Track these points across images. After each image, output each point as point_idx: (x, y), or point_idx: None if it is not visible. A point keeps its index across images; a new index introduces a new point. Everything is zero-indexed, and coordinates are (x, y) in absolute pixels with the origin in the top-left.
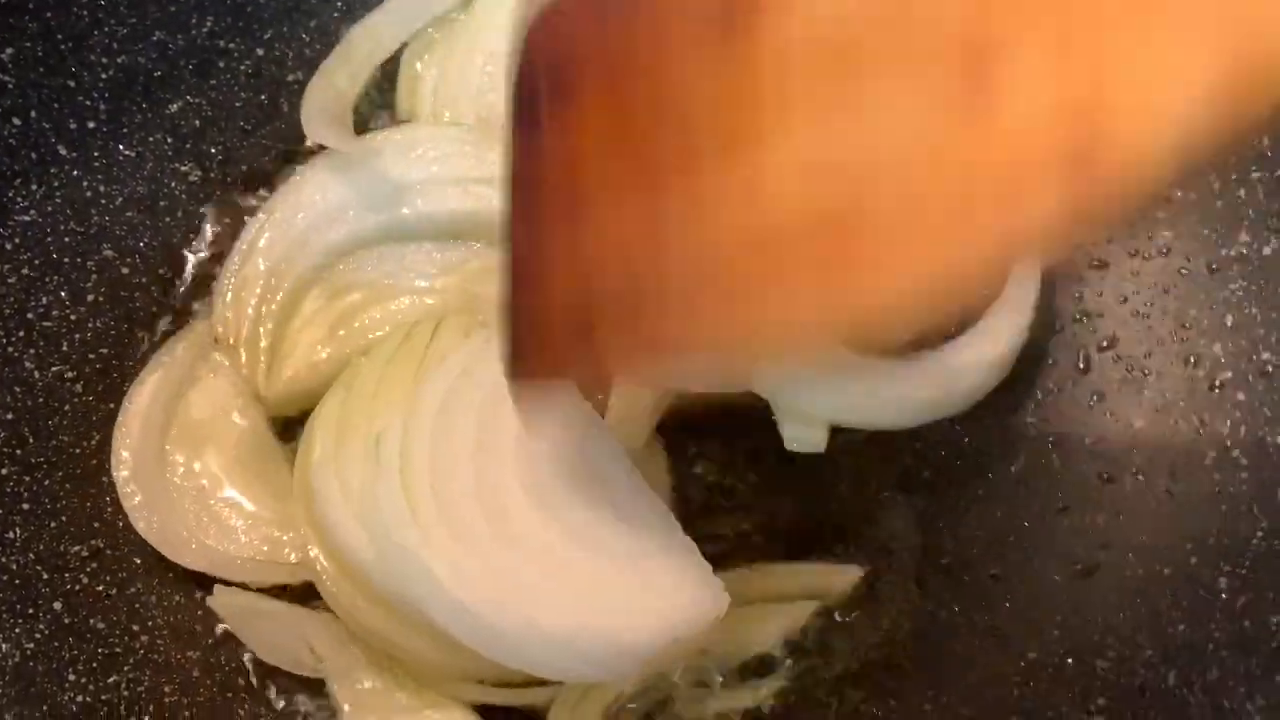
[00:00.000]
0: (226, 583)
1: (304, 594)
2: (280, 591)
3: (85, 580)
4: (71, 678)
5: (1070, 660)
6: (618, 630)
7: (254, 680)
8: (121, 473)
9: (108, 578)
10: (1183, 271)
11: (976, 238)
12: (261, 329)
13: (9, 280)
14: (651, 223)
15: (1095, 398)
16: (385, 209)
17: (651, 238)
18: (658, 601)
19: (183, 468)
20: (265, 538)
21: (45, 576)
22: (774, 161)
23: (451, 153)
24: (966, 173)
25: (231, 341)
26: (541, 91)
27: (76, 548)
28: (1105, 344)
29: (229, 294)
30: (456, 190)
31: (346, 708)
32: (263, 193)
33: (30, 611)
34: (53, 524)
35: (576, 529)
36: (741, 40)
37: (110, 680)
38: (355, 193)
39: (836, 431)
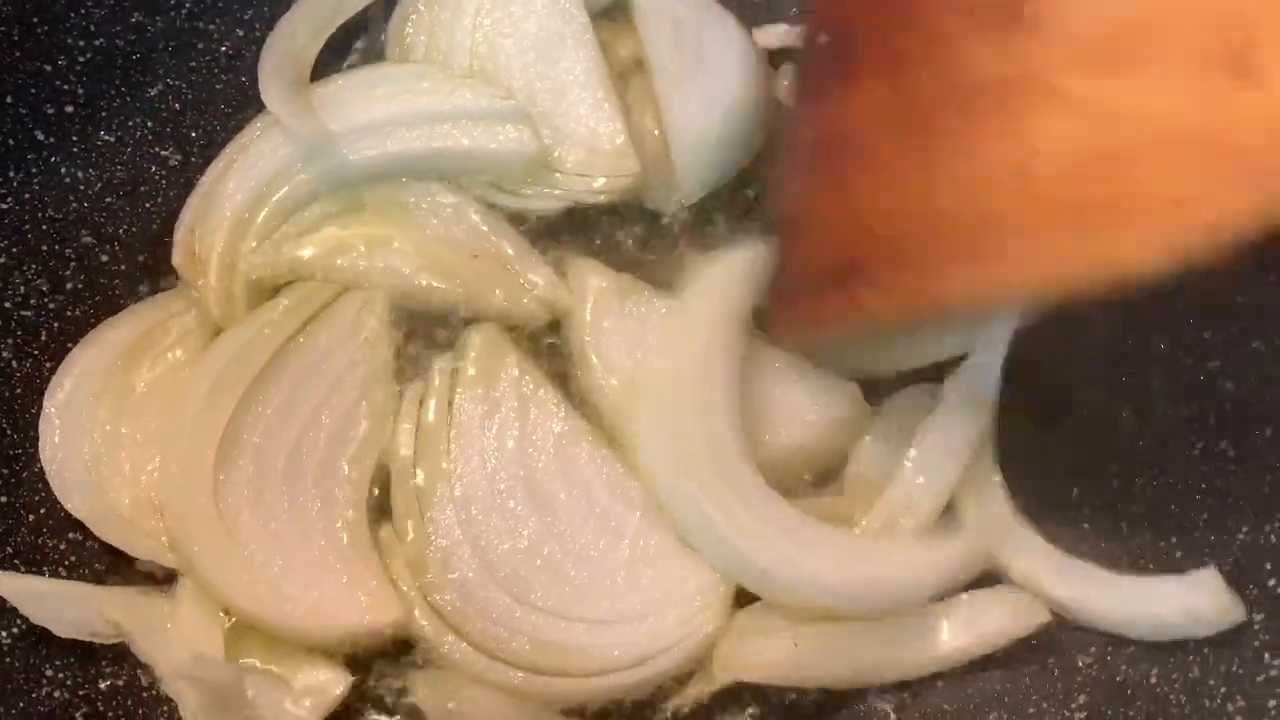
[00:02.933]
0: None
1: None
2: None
3: (63, 574)
4: (49, 673)
5: (1052, 657)
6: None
7: None
8: (49, 408)
9: (84, 570)
10: None
11: (1227, 204)
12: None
13: None
14: (921, 181)
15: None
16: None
17: (920, 195)
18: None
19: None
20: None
21: (23, 570)
22: (1045, 128)
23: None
24: (1223, 148)
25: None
26: (826, 55)
27: (54, 541)
28: None
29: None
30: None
31: None
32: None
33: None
34: (31, 517)
35: None
36: (1028, 28)
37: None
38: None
39: None
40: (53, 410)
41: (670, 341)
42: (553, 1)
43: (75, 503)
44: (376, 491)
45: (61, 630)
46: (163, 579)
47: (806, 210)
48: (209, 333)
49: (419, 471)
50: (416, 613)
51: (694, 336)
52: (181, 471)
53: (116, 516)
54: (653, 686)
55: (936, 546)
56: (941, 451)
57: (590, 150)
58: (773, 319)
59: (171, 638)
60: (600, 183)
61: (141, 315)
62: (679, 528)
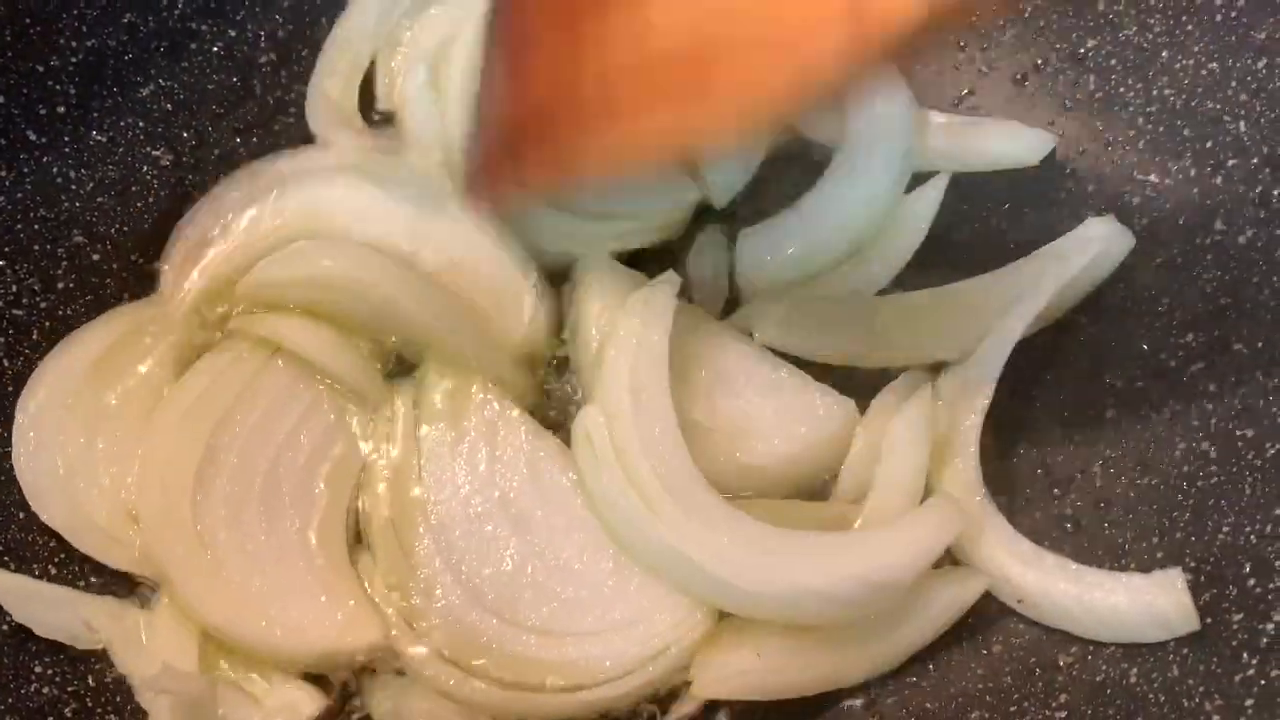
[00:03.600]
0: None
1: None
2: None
3: (51, 570)
4: (38, 670)
5: (1033, 657)
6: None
7: None
8: (20, 419)
9: (72, 568)
10: None
11: (794, 67)
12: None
13: None
14: (569, 57)
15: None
16: None
17: (568, 67)
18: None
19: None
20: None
21: (13, 568)
22: (654, 13)
23: None
24: (785, 21)
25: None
26: None
27: (43, 539)
28: None
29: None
30: None
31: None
32: (235, 175)
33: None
34: (21, 514)
35: None
36: None
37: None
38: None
39: None
40: (24, 421)
41: (600, 394)
42: None
43: (50, 513)
44: (360, 508)
45: (42, 630)
46: (146, 581)
47: (491, 93)
48: (182, 345)
49: (391, 501)
50: (399, 636)
51: (619, 386)
52: (159, 490)
53: (92, 527)
54: (639, 697)
55: (909, 522)
56: (914, 448)
57: None
58: (468, 191)
59: (147, 648)
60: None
61: (112, 325)
62: (645, 564)
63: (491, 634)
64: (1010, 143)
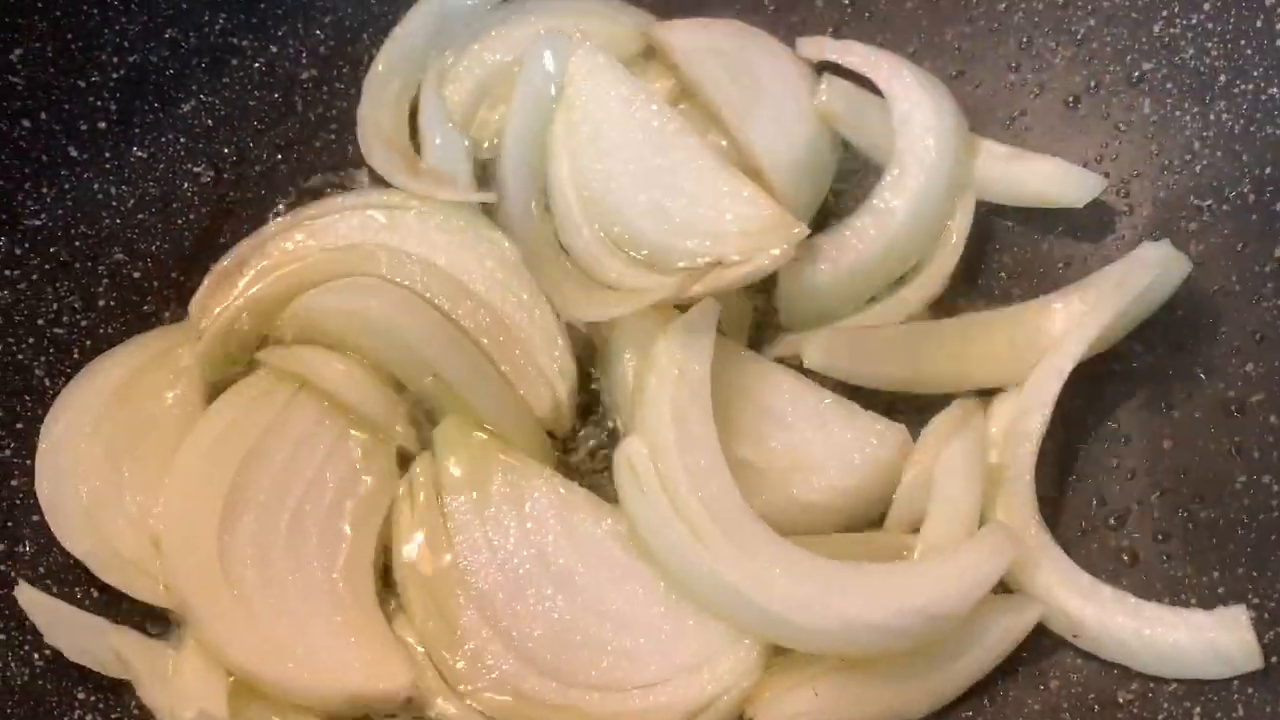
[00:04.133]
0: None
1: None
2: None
3: (94, 593)
4: (81, 696)
5: (1091, 693)
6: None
7: None
8: (43, 446)
9: (111, 591)
10: None
11: None
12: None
13: (18, 286)
14: None
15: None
16: None
17: None
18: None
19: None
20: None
21: (55, 591)
22: None
23: None
24: None
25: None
26: None
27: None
28: None
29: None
30: None
31: None
32: (273, 194)
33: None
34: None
35: None
36: None
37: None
38: None
39: None
40: (47, 447)
41: (641, 424)
42: (634, 110)
43: (73, 542)
44: (392, 560)
45: (71, 654)
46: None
47: None
48: (207, 372)
49: (424, 566)
50: (434, 687)
51: (661, 416)
52: (185, 528)
53: (117, 557)
54: None
55: (964, 551)
56: (968, 477)
57: (744, 234)
58: None
59: (174, 687)
60: (776, 253)
61: (140, 349)
62: (695, 599)
63: (552, 696)
64: (1059, 182)
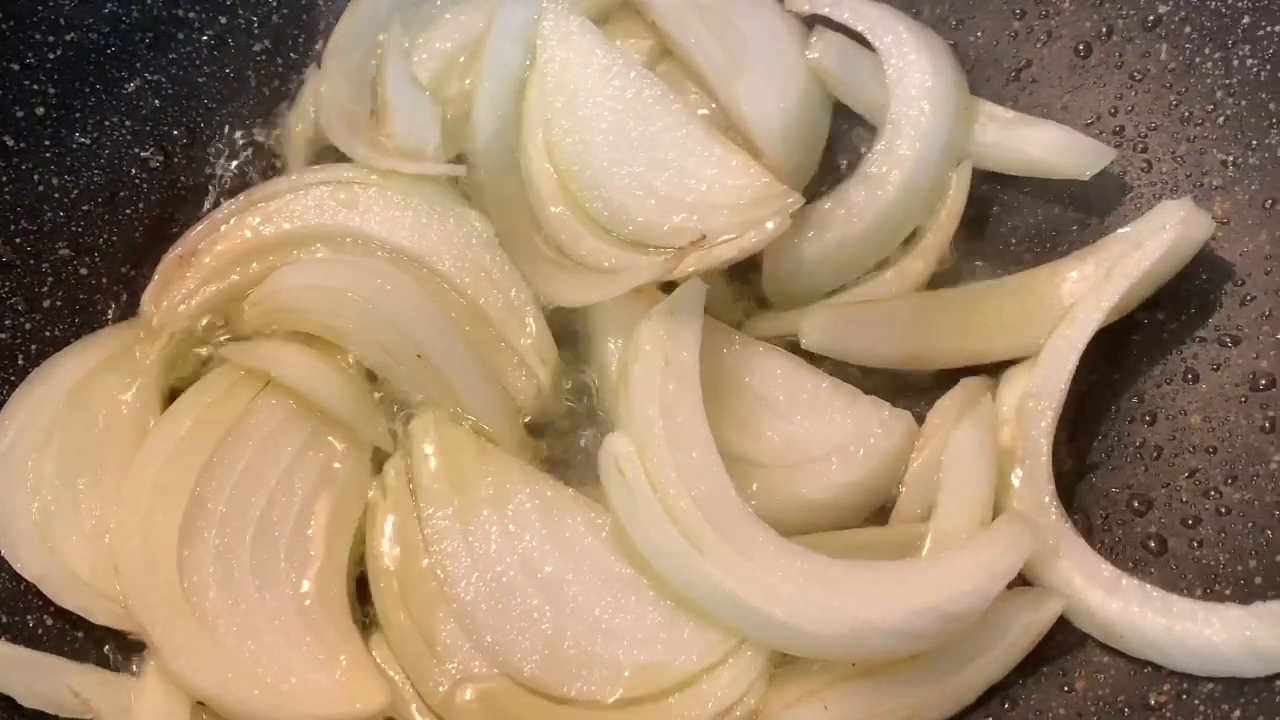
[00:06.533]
0: None
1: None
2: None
3: (48, 621)
4: None
5: (1121, 695)
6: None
7: None
8: None
9: (68, 619)
10: None
11: None
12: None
13: None
14: None
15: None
16: None
17: None
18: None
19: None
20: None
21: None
22: None
23: None
24: None
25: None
26: None
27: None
28: None
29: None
30: None
31: None
32: (231, 165)
33: None
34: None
35: None
36: None
37: None
38: None
39: None
40: None
41: (627, 419)
42: (611, 76)
43: (24, 564)
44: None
45: (27, 701)
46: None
47: None
48: (164, 372)
49: (399, 575)
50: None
51: (648, 409)
52: (142, 545)
53: (73, 579)
54: None
55: (979, 545)
56: (978, 463)
57: (735, 206)
58: None
59: (136, 718)
60: (770, 226)
61: (92, 350)
62: (692, 607)
63: (541, 715)
64: (1064, 152)
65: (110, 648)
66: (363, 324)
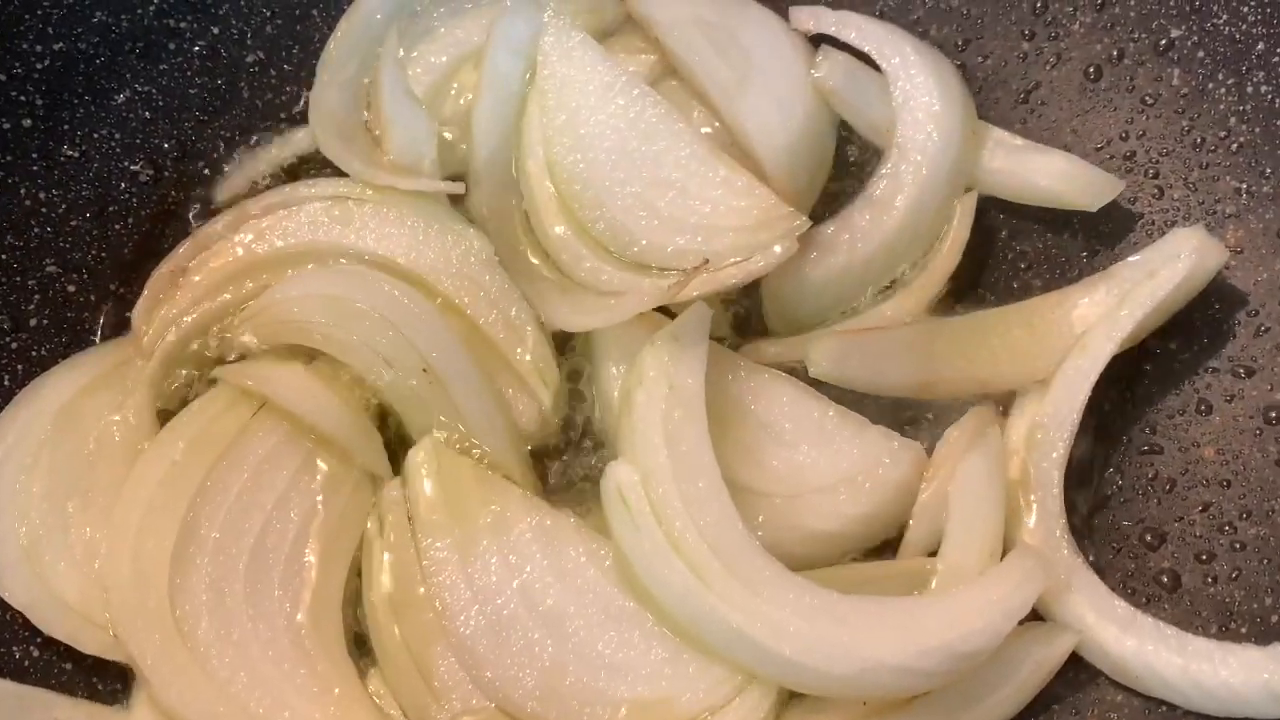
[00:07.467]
0: None
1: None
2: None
3: (35, 651)
4: None
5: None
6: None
7: None
8: None
9: (59, 648)
10: None
11: None
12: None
13: None
14: None
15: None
16: None
17: None
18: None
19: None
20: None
21: None
22: None
23: None
24: None
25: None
26: None
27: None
28: None
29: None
30: None
31: None
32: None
33: None
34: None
35: None
36: None
37: None
38: None
39: None
40: None
41: (630, 447)
42: (613, 94)
43: (11, 591)
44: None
45: None
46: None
47: None
48: (156, 393)
49: (397, 608)
50: None
51: (652, 437)
52: (132, 572)
53: (61, 606)
54: None
55: (991, 579)
56: (987, 496)
57: (740, 228)
58: None
59: None
60: (777, 250)
61: (82, 369)
62: (697, 643)
63: None
64: (1072, 182)
65: (99, 679)
66: (367, 336)
